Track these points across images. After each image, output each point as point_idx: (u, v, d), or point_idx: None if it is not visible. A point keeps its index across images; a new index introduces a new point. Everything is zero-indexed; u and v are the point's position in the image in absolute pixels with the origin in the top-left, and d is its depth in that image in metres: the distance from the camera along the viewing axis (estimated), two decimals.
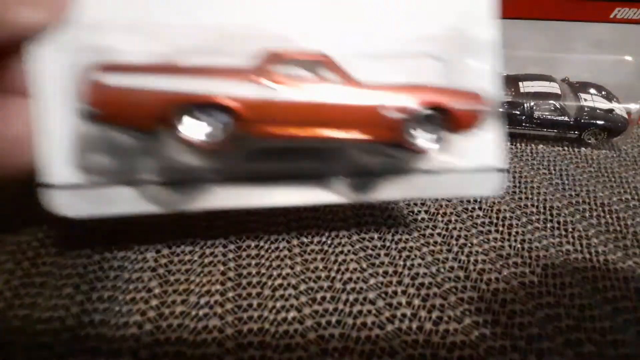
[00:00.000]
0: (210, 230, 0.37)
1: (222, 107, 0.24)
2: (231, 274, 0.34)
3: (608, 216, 0.42)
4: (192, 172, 0.28)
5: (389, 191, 0.31)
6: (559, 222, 0.40)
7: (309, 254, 0.35)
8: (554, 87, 0.54)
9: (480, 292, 0.33)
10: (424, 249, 0.36)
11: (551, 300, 0.33)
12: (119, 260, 0.34)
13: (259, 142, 0.26)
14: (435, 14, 0.30)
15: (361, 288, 0.33)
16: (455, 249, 0.37)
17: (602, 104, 0.53)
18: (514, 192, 0.44)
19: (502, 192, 0.32)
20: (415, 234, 0.38)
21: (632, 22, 0.55)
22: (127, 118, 0.24)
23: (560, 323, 0.31)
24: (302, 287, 0.33)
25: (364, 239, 0.37)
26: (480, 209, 0.41)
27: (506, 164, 0.32)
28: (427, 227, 0.39)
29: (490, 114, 0.28)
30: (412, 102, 0.26)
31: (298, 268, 0.34)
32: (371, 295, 0.33)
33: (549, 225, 0.40)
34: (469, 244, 0.37)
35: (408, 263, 0.35)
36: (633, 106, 0.54)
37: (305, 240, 0.36)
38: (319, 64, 0.26)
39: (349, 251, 0.36)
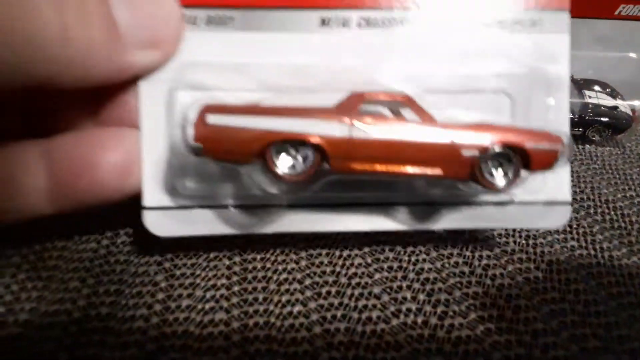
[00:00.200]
0: None
1: (310, 144, 0.26)
2: (237, 268, 0.34)
3: (613, 213, 0.42)
4: (269, 199, 0.30)
5: (453, 221, 0.32)
6: None
7: (314, 248, 0.35)
8: None
9: (485, 288, 0.33)
10: (429, 244, 0.36)
11: (556, 296, 0.33)
12: (124, 254, 0.34)
13: (340, 176, 0.28)
14: (511, 50, 0.31)
15: (366, 283, 0.33)
16: (460, 244, 0.37)
17: (607, 101, 0.53)
18: None
19: (566, 223, 0.33)
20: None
21: (636, 19, 0.55)
22: (228, 153, 0.27)
23: (565, 318, 0.31)
24: (308, 281, 0.33)
25: (368, 234, 0.37)
26: None
27: (569, 197, 0.32)
28: None
29: (564, 154, 0.28)
30: (488, 141, 0.27)
31: (303, 263, 0.34)
32: (376, 289, 0.33)
33: None
34: (474, 239, 0.37)
35: (413, 258, 0.35)
36: (637, 103, 0.54)
37: (310, 235, 0.37)
38: (399, 104, 0.28)
39: (353, 245, 0.36)
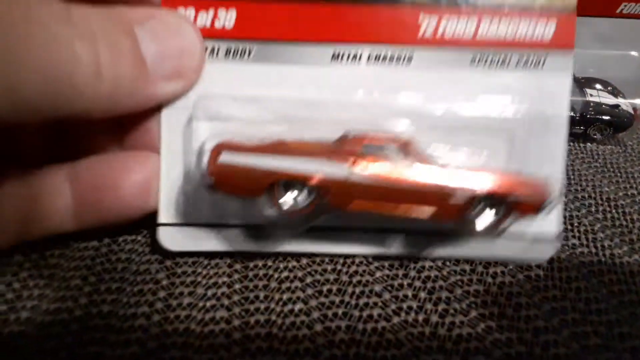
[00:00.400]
0: None
1: (309, 184, 0.28)
2: (238, 266, 0.34)
3: (614, 211, 0.41)
4: (272, 223, 0.32)
5: (444, 249, 0.34)
6: (564, 217, 0.40)
7: None
8: None
9: (486, 285, 0.33)
10: None
11: (557, 294, 0.33)
12: (126, 252, 0.35)
13: (337, 212, 0.29)
14: (512, 93, 0.32)
15: (367, 281, 0.33)
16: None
17: (608, 100, 0.53)
18: None
19: (553, 254, 0.34)
20: None
21: (638, 17, 0.55)
22: (237, 189, 0.29)
23: (566, 316, 0.31)
24: (309, 279, 0.33)
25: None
26: None
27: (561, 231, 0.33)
28: None
29: (554, 202, 0.30)
30: (477, 188, 0.28)
31: (304, 261, 0.34)
32: (377, 287, 0.33)
33: None
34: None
35: None
36: (639, 102, 0.53)
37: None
38: (398, 146, 0.29)
39: None
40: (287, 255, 0.35)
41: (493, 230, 0.29)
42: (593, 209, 0.42)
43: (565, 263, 0.35)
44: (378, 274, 0.34)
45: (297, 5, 0.31)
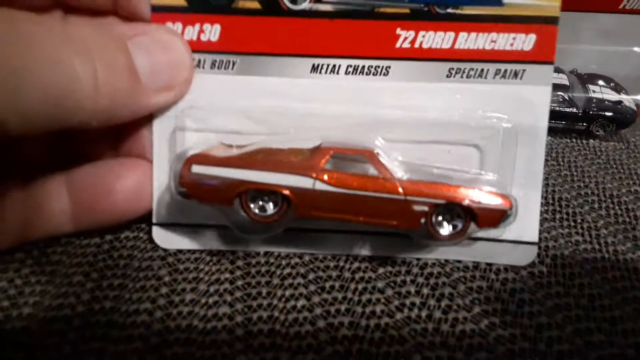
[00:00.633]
0: None
1: (277, 194, 0.30)
2: (240, 262, 0.34)
3: (617, 207, 0.41)
4: (244, 228, 0.33)
5: (421, 251, 0.35)
6: (567, 214, 0.40)
7: None
8: (562, 79, 0.54)
9: (489, 282, 0.33)
10: None
11: (560, 290, 0.33)
12: (128, 249, 0.35)
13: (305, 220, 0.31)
14: (488, 105, 0.33)
15: (370, 277, 0.33)
16: None
17: (611, 96, 0.53)
18: None
19: (532, 260, 0.34)
20: None
21: None
22: (209, 197, 0.31)
23: (570, 312, 0.31)
24: (311, 275, 0.33)
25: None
26: None
27: (537, 237, 0.34)
28: None
29: (511, 214, 0.31)
30: (437, 198, 0.30)
31: (306, 257, 0.34)
32: (380, 283, 0.33)
33: (557, 216, 0.40)
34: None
35: None
36: None
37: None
38: (363, 159, 0.31)
39: None
40: (288, 252, 0.35)
41: (455, 238, 0.31)
42: (596, 205, 0.42)
43: (569, 259, 0.35)
44: (380, 270, 0.34)
45: (278, 20, 0.32)
